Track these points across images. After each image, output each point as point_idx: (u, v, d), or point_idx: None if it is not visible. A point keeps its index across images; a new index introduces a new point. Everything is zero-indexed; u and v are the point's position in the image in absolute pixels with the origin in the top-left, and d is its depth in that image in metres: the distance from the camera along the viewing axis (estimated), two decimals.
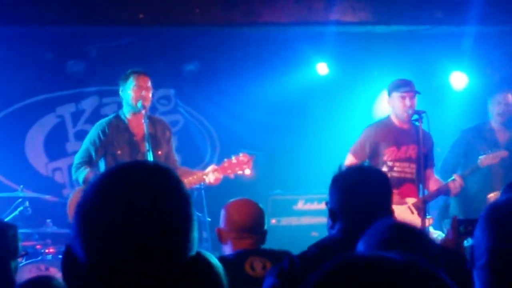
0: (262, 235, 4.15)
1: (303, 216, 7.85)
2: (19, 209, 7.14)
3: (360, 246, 2.45)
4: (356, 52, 8.95)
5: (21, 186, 7.42)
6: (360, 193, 3.26)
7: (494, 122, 7.58)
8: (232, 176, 6.11)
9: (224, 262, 3.89)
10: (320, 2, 7.95)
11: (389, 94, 6.76)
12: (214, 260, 1.71)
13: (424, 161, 6.58)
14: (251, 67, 8.99)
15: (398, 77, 6.94)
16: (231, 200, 4.25)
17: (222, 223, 4.16)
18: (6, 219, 7.00)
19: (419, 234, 2.53)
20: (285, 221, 7.79)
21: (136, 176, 1.63)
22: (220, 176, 6.05)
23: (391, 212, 3.33)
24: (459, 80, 9.03)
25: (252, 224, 4.12)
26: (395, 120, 6.78)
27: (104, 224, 1.58)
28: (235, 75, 9.04)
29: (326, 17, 7.97)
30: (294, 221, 7.91)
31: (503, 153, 7.25)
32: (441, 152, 7.69)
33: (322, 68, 9.08)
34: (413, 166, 6.75)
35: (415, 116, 6.56)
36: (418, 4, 8.05)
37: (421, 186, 6.59)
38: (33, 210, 7.23)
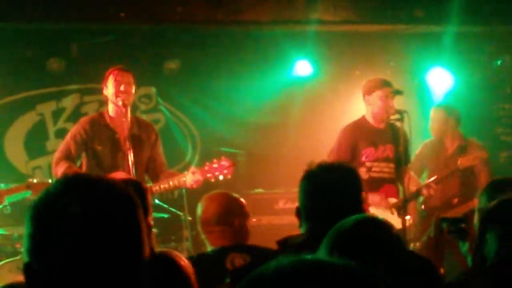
0: (240, 227, 4.10)
1: (284, 215, 7.84)
2: None
3: (325, 242, 2.28)
4: (337, 51, 8.96)
5: (1, 184, 7.37)
6: (325, 192, 3.09)
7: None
8: (212, 180, 6.05)
9: (203, 259, 3.90)
10: (301, 1, 7.96)
11: (369, 93, 6.66)
12: (176, 261, 1.72)
13: (401, 159, 6.61)
14: (232, 65, 8.97)
15: (379, 76, 6.93)
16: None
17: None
18: None
19: (388, 231, 2.35)
20: (266, 220, 7.78)
21: (78, 186, 1.66)
22: (201, 178, 5.99)
23: (361, 213, 3.14)
24: (439, 79, 9.07)
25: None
26: (370, 120, 6.71)
27: (55, 229, 1.60)
28: (216, 74, 9.02)
29: (307, 15, 7.99)
30: (275, 220, 7.91)
31: (482, 154, 7.22)
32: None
33: (303, 67, 9.08)
34: (392, 165, 6.72)
35: (397, 116, 6.56)
36: (399, 3, 8.08)
37: (400, 186, 6.60)
38: (13, 209, 7.18)
